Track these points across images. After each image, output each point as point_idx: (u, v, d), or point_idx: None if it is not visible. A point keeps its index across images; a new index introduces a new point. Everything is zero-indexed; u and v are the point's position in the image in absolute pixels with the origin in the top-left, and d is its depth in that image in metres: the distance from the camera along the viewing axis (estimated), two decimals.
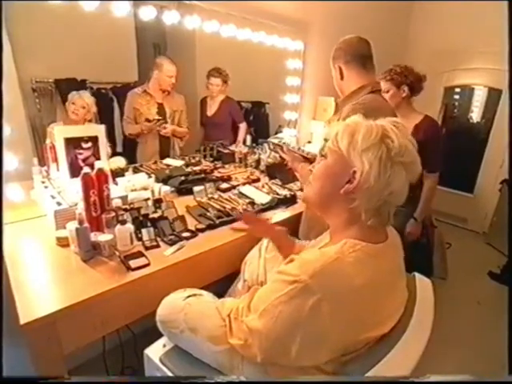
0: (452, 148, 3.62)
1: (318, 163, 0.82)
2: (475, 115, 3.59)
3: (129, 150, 2.23)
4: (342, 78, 1.38)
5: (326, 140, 1.27)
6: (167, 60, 2.13)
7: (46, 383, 0.61)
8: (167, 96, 2.24)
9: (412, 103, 1.97)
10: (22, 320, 0.86)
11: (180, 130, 2.29)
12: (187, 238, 1.30)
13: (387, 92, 1.87)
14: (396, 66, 1.89)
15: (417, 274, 0.92)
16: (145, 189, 1.62)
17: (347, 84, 1.38)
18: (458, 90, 3.60)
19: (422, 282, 0.90)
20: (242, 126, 2.59)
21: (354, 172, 0.70)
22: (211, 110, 2.56)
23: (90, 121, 1.88)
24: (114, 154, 2.08)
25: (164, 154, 2.26)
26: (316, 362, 0.71)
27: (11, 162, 1.35)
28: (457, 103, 3.71)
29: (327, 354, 0.69)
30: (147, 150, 2.21)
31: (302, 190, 1.84)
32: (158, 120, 2.11)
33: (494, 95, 3.30)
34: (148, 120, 2.11)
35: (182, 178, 1.80)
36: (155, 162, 2.12)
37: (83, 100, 1.76)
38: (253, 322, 0.72)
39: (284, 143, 1.90)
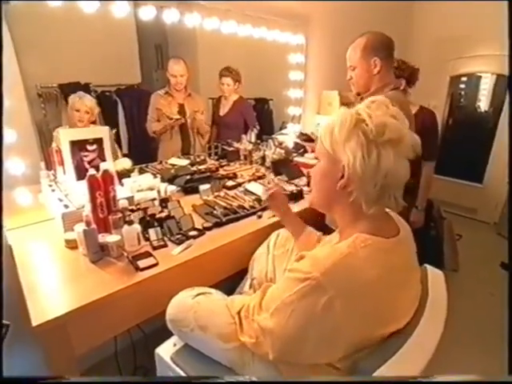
0: (460, 138, 3.59)
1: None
2: (483, 104, 3.52)
3: (134, 151, 2.24)
4: (379, 71, 1.36)
5: None
6: (173, 60, 2.18)
7: (45, 383, 0.61)
8: (188, 97, 2.29)
9: (408, 96, 2.01)
10: (34, 322, 0.86)
11: (204, 126, 2.34)
12: (194, 237, 1.30)
13: None
14: None
15: (428, 266, 0.90)
16: (151, 189, 1.62)
17: (379, 79, 1.37)
18: (464, 78, 3.54)
19: (434, 273, 0.88)
20: (254, 130, 2.55)
21: (343, 167, 0.70)
22: (224, 110, 2.56)
23: (93, 122, 1.89)
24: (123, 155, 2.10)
25: (185, 151, 2.32)
26: (330, 358, 0.70)
27: (19, 166, 1.36)
28: (463, 92, 3.65)
29: (342, 350, 0.67)
30: (170, 148, 2.27)
31: (308, 184, 1.83)
32: (177, 119, 2.18)
33: (501, 82, 3.24)
34: (169, 118, 2.19)
35: (188, 177, 1.80)
36: (160, 162, 2.13)
37: (85, 105, 1.74)
38: (265, 321, 0.71)
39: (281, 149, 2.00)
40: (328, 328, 0.64)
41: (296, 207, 1.64)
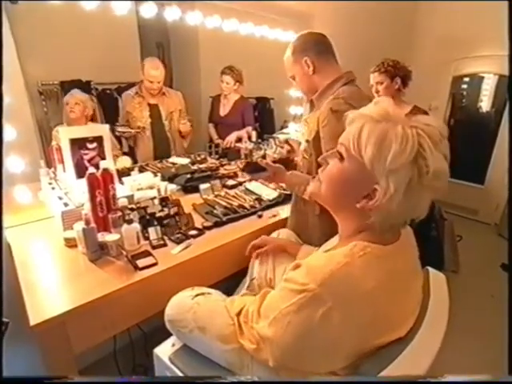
0: (461, 138, 3.55)
1: (331, 157, 0.72)
2: (485, 104, 3.51)
3: (134, 149, 2.24)
4: (315, 71, 1.25)
5: (307, 141, 1.23)
6: (151, 63, 2.03)
7: (49, 383, 0.60)
8: (162, 96, 2.16)
9: (402, 95, 2.01)
10: (32, 321, 0.86)
11: (185, 129, 2.24)
12: (194, 236, 1.30)
13: (381, 84, 1.94)
14: (387, 60, 1.94)
15: (430, 269, 0.89)
16: (151, 188, 1.61)
17: (321, 77, 1.25)
18: (466, 79, 3.52)
19: (436, 276, 0.87)
20: (248, 129, 2.53)
21: (375, 189, 0.62)
22: (225, 110, 2.52)
23: (92, 120, 1.89)
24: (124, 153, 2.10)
25: (161, 156, 2.21)
26: (331, 368, 0.68)
27: (18, 164, 1.35)
28: (465, 93, 3.63)
29: (342, 360, 0.66)
30: (142, 154, 2.20)
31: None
32: (137, 132, 2.11)
33: (504, 82, 3.21)
34: (137, 127, 2.10)
35: (188, 175, 1.79)
36: (161, 161, 2.12)
37: (75, 97, 1.79)
38: (263, 330, 0.70)
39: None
40: (326, 339, 0.63)
41: None
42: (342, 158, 0.68)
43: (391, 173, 0.59)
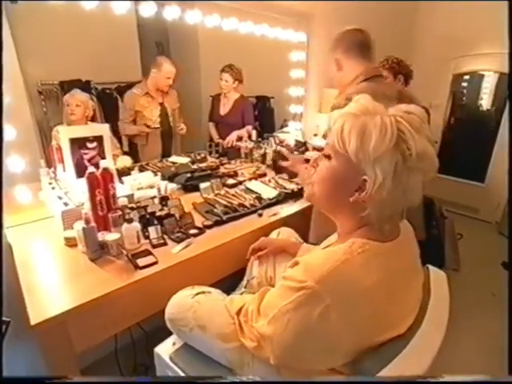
0: (462, 137, 3.57)
1: (320, 159, 0.74)
2: (485, 102, 3.50)
3: (135, 149, 2.24)
4: (340, 69, 1.28)
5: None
6: (168, 60, 2.10)
7: (45, 383, 0.60)
8: (166, 95, 2.23)
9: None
10: (33, 321, 0.86)
11: (183, 132, 2.31)
12: (194, 235, 1.30)
13: (384, 80, 1.93)
14: (391, 57, 1.97)
15: (431, 267, 0.89)
16: (151, 187, 1.61)
17: (346, 75, 1.28)
18: (466, 77, 3.51)
19: (436, 275, 0.87)
20: (248, 128, 2.54)
21: (365, 180, 0.64)
22: (225, 109, 2.53)
23: (92, 120, 1.88)
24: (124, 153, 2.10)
25: (166, 154, 2.26)
26: (331, 365, 0.69)
27: (18, 164, 1.35)
28: (465, 91, 3.62)
29: (341, 358, 0.66)
30: (149, 152, 2.21)
31: None
32: (156, 128, 2.16)
33: (504, 80, 3.21)
34: (148, 126, 2.12)
35: (188, 175, 1.79)
36: (161, 160, 2.12)
37: (76, 98, 1.77)
38: (263, 328, 0.70)
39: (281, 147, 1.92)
40: (325, 336, 0.63)
41: (296, 206, 1.63)
42: (329, 158, 0.70)
43: (376, 161, 0.61)
